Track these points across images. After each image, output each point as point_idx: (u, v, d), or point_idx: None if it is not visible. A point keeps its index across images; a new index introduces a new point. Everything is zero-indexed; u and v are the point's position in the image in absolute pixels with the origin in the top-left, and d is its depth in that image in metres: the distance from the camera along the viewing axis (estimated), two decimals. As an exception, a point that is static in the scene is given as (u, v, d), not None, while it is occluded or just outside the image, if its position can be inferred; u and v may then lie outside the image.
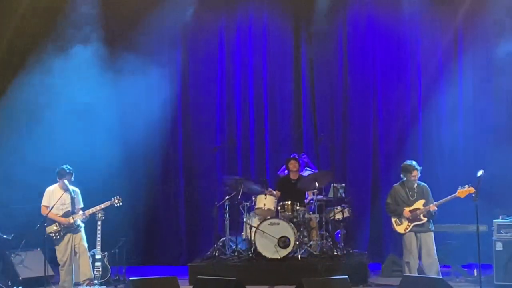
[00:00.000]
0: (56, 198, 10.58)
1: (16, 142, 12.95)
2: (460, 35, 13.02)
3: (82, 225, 10.80)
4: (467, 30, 12.96)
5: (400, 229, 10.11)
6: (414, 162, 10.28)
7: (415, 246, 10.01)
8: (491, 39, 12.77)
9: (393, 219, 10.20)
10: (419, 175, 10.21)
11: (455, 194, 9.81)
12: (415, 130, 13.16)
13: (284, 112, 13.67)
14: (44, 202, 10.68)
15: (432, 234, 10.10)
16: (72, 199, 10.67)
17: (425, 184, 10.23)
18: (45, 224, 10.53)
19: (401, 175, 10.32)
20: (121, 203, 10.82)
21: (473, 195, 9.63)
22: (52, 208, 10.46)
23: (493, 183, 12.15)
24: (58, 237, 10.56)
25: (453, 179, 12.34)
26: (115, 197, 10.79)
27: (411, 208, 10.04)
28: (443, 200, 9.95)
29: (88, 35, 13.10)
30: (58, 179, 10.71)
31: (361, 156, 13.31)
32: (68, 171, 10.67)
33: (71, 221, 10.57)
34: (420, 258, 10.14)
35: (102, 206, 10.70)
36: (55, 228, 10.54)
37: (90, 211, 10.70)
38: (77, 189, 10.89)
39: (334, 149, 13.33)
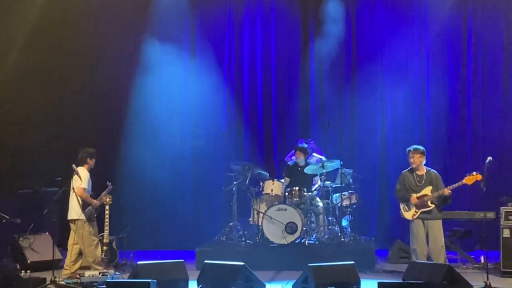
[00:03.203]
0: (89, 180, 10.53)
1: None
2: (469, 16, 12.97)
3: None
4: (476, 12, 12.92)
5: (408, 215, 10.09)
6: (412, 147, 10.24)
7: (422, 233, 9.98)
8: (502, 19, 12.73)
9: (401, 206, 10.19)
10: (421, 160, 10.04)
11: (463, 181, 9.77)
12: (423, 116, 13.14)
13: (291, 98, 13.65)
14: (84, 184, 10.40)
15: (440, 221, 10.04)
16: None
17: (435, 171, 10.16)
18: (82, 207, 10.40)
19: None
20: (111, 186, 10.78)
21: (480, 182, 9.60)
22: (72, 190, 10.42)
23: (502, 170, 12.16)
24: (94, 218, 10.53)
25: (461, 165, 12.37)
26: (108, 182, 10.78)
27: (419, 194, 10.01)
28: (451, 186, 9.91)
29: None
30: (88, 161, 10.59)
31: (369, 142, 13.31)
32: (95, 151, 10.68)
33: (98, 203, 10.51)
34: (428, 245, 10.13)
35: (105, 192, 10.68)
36: (92, 209, 10.46)
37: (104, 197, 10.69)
38: None
39: (342, 135, 13.30)
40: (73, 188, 10.42)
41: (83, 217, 10.36)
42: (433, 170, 10.18)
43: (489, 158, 9.58)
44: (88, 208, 10.39)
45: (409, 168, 10.24)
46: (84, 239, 10.41)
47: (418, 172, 10.13)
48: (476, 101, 12.97)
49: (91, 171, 10.64)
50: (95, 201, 10.47)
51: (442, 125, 13.08)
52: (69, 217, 10.51)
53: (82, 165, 10.58)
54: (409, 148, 10.21)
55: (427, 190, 10.00)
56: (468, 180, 9.70)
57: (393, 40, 13.27)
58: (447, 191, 9.87)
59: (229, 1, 13.71)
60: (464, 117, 13.02)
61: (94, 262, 10.43)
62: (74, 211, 10.43)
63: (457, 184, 9.84)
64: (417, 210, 10.00)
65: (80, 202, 10.36)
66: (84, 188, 10.40)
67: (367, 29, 13.42)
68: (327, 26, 13.46)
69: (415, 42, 13.19)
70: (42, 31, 12.93)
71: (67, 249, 10.69)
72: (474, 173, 9.68)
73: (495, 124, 12.82)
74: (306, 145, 12.24)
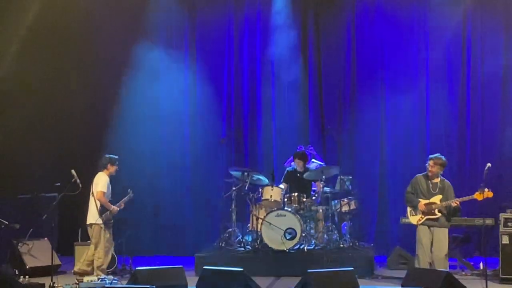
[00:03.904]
0: (108, 185, 10.64)
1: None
2: (468, 27, 12.98)
3: None
4: (476, 18, 12.93)
5: (413, 219, 10.02)
6: (436, 155, 10.14)
7: (427, 240, 9.90)
8: (501, 30, 12.75)
9: (408, 209, 10.12)
10: (438, 172, 9.96)
11: (473, 195, 9.69)
12: (422, 123, 13.14)
13: (291, 104, 13.66)
14: (104, 188, 10.56)
15: (446, 230, 9.93)
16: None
17: (449, 182, 10.09)
18: (100, 211, 10.51)
19: None
20: (132, 193, 10.89)
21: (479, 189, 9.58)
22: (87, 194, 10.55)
23: (501, 177, 12.15)
24: (111, 223, 10.61)
25: (460, 172, 12.36)
26: (129, 190, 10.85)
27: (428, 201, 9.95)
28: (460, 199, 9.83)
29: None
30: (108, 166, 10.70)
31: (368, 148, 13.30)
32: (117, 158, 10.78)
33: (116, 209, 10.60)
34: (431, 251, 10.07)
35: (125, 199, 10.76)
36: (109, 215, 10.55)
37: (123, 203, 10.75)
38: None
39: (341, 141, 13.29)
40: (92, 193, 10.54)
41: (100, 221, 10.46)
42: (446, 180, 10.10)
43: (488, 164, 9.55)
44: (106, 213, 10.49)
45: (424, 173, 10.15)
46: (99, 243, 10.50)
47: (434, 180, 10.03)
48: (475, 108, 12.95)
49: (112, 177, 10.72)
50: (113, 206, 10.56)
51: (441, 132, 13.06)
52: (87, 222, 10.61)
53: (102, 170, 10.70)
54: (432, 156, 10.08)
55: (437, 199, 9.92)
56: (479, 196, 9.61)
57: (393, 49, 13.30)
58: (455, 203, 9.81)
59: (228, 9, 13.71)
60: (464, 125, 13.01)
61: (99, 267, 10.50)
62: (92, 215, 10.55)
63: (466, 198, 9.76)
64: (422, 216, 9.94)
65: (98, 206, 10.46)
66: (103, 192, 10.51)
67: (367, 37, 13.41)
68: (327, 32, 13.50)
69: (414, 51, 13.19)
70: (39, 36, 12.97)
71: (65, 254, 10.73)
72: (486, 189, 9.59)
73: (494, 132, 12.81)
74: (304, 151, 12.26)
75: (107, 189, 10.59)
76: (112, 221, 10.59)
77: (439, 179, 10.03)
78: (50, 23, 12.97)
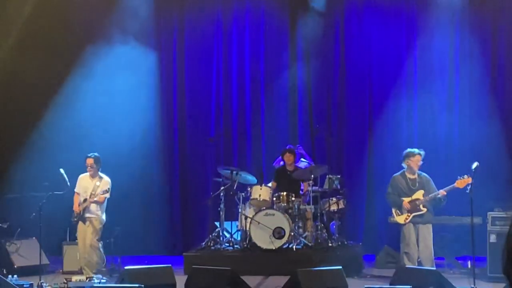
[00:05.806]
0: (81, 185, 10.74)
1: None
2: (457, 29, 13.04)
3: (96, 216, 10.70)
4: (464, 20, 12.98)
5: (400, 219, 10.06)
6: (416, 149, 10.20)
7: (414, 237, 9.96)
8: (489, 28, 12.81)
9: (393, 210, 10.16)
10: (422, 162, 10.10)
11: (454, 185, 9.77)
12: (410, 121, 13.19)
13: (280, 103, 13.68)
14: (76, 188, 10.79)
15: (430, 226, 10.03)
16: (96, 187, 10.71)
17: (426, 175, 10.13)
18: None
19: (403, 164, 10.22)
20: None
21: (469, 186, 9.63)
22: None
23: (489, 176, 12.19)
24: (75, 221, 10.73)
25: (448, 170, 12.39)
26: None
27: (411, 199, 9.98)
28: (446, 188, 9.87)
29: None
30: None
31: (357, 147, 13.34)
32: (100, 158, 10.82)
33: (78, 209, 10.64)
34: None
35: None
36: (74, 213, 10.71)
37: (86, 203, 10.69)
38: (107, 178, 10.86)
39: (330, 140, 13.34)
40: None
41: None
42: (424, 173, 10.15)
43: (476, 163, 9.61)
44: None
45: (400, 172, 10.19)
46: None
47: (411, 176, 10.08)
48: (463, 109, 13.02)
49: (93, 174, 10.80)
50: (74, 205, 10.70)
51: (429, 131, 13.11)
52: None
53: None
54: (420, 151, 10.11)
55: (419, 194, 9.97)
56: (459, 183, 9.69)
57: (381, 50, 13.35)
58: (442, 192, 9.83)
59: (217, 10, 13.71)
60: (451, 124, 13.07)
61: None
62: None
63: (446, 189, 9.82)
64: (409, 214, 9.97)
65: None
66: (76, 192, 10.69)
67: (356, 39, 13.46)
68: (316, 32, 13.52)
69: (403, 52, 13.25)
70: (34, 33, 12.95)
71: (53, 254, 10.75)
72: (465, 176, 9.66)
73: (482, 131, 12.85)
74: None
75: (78, 188, 10.74)
76: (75, 219, 10.67)
77: (416, 174, 10.07)
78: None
